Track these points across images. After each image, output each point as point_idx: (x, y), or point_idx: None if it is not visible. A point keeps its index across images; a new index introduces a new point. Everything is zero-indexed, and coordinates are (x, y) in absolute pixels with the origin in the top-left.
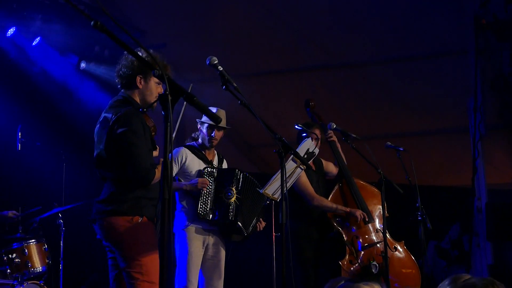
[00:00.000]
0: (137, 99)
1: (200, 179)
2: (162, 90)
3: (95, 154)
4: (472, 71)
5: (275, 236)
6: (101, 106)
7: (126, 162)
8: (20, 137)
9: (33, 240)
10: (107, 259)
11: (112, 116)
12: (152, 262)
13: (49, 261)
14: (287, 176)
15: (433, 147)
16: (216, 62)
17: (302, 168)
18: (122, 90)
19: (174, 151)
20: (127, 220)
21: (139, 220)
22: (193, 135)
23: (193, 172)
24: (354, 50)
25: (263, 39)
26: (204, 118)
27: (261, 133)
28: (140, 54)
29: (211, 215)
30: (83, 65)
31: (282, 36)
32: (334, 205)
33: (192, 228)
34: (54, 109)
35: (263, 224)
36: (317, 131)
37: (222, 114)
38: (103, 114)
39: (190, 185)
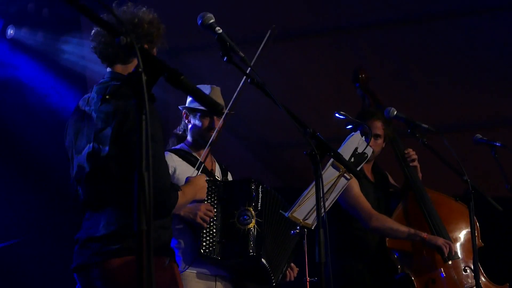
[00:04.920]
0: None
1: (202, 208)
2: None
3: (87, 168)
4: None
5: (309, 282)
6: (45, 93)
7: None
8: None
9: None
10: None
11: (113, 107)
12: None
13: None
14: (325, 190)
15: None
16: (212, 21)
17: (349, 177)
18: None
19: None
20: None
21: (166, 263)
22: (177, 130)
23: None
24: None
25: None
26: (193, 103)
27: (286, 127)
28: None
29: (220, 252)
30: (11, 31)
31: None
32: (406, 228)
33: (190, 274)
34: None
35: (296, 270)
36: (377, 124)
37: (217, 93)
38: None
39: (188, 210)
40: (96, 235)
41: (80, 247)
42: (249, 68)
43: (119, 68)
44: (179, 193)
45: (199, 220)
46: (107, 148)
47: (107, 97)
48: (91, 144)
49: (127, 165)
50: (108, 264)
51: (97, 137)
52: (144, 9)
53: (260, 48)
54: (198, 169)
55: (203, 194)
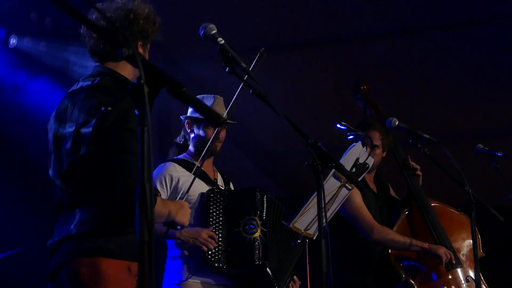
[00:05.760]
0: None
1: (204, 233)
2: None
3: (65, 165)
4: None
5: None
6: (46, 102)
7: (115, 178)
8: None
9: None
10: None
11: (97, 102)
12: None
13: None
14: (326, 201)
15: None
16: (214, 32)
17: (350, 188)
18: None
19: (158, 170)
20: (118, 267)
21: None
22: (177, 140)
23: (194, 198)
24: (417, 9)
25: None
26: (197, 113)
27: (288, 137)
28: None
29: (225, 261)
30: (13, 41)
31: None
32: (407, 239)
33: (194, 284)
34: None
35: (298, 283)
36: (374, 134)
37: (221, 103)
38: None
39: (189, 234)
40: (66, 236)
41: (53, 252)
42: (248, 78)
43: (110, 64)
44: (159, 200)
45: (199, 244)
46: (86, 144)
47: (92, 91)
48: (71, 139)
49: (105, 161)
50: (76, 263)
51: (77, 132)
52: (139, 1)
53: (250, 69)
54: (195, 173)
55: (184, 218)
